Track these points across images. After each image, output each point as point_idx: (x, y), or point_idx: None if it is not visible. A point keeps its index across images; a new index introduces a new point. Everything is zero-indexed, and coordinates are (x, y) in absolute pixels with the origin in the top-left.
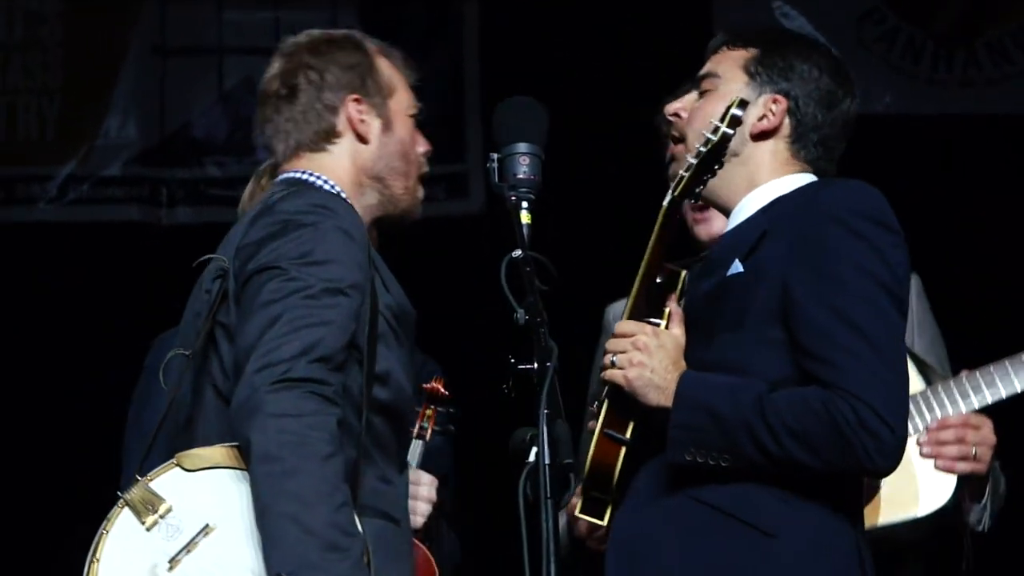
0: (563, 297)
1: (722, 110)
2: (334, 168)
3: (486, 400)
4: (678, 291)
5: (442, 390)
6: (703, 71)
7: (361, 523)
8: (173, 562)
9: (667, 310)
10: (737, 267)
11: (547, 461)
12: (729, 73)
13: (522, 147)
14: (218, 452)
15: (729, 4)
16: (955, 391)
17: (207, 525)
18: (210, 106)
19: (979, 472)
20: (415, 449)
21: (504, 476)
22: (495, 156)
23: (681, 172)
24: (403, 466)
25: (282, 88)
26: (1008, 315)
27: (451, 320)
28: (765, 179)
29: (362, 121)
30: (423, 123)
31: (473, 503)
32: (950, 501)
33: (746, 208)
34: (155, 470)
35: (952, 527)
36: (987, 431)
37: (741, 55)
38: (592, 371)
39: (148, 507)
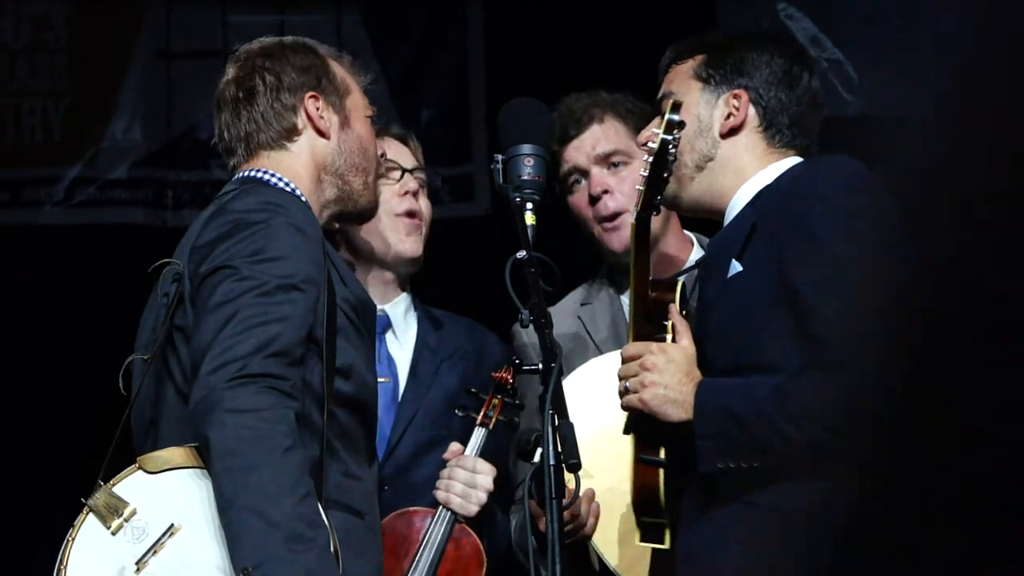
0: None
1: (689, 124)
2: (292, 165)
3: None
4: (678, 301)
5: (510, 380)
6: (660, 94)
7: (326, 516)
8: (140, 564)
9: (670, 323)
10: (735, 267)
11: (552, 462)
12: (683, 87)
13: (526, 148)
14: (179, 453)
15: (733, 7)
16: None
17: (172, 525)
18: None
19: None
20: (476, 437)
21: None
22: (499, 157)
23: (637, 187)
24: (372, 459)
25: (239, 92)
26: None
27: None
28: (749, 174)
29: (321, 117)
30: (429, 125)
31: None
32: None
33: (737, 206)
34: (118, 475)
35: None
36: None
37: (689, 66)
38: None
39: (112, 511)
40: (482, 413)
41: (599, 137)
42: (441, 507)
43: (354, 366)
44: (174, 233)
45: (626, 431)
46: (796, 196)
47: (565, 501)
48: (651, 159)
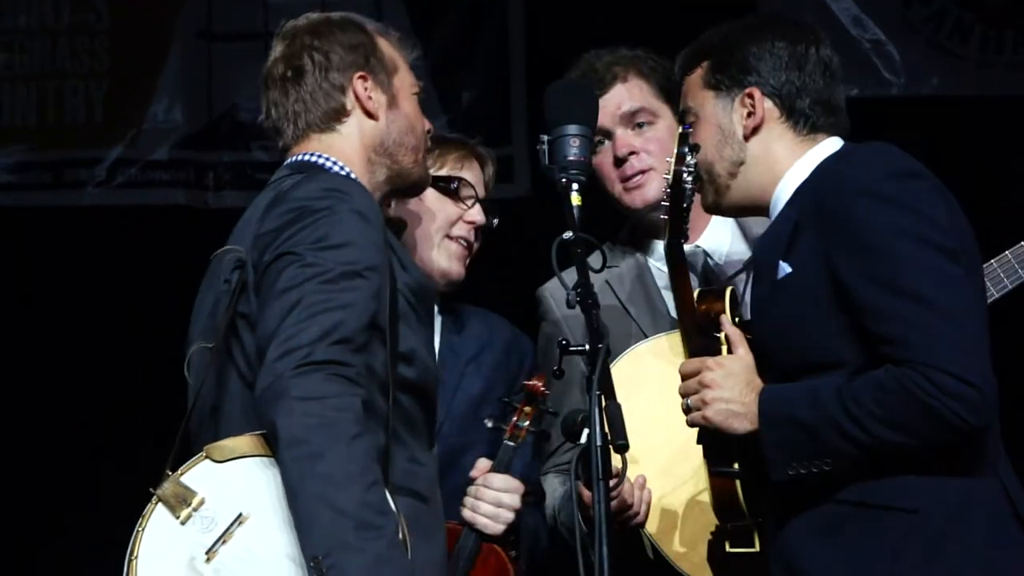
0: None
1: (713, 133)
2: (343, 148)
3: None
4: (728, 308)
5: (543, 388)
6: (681, 108)
7: (395, 502)
8: (210, 553)
9: (723, 334)
10: (784, 268)
11: (599, 442)
12: (697, 99)
13: (572, 129)
14: (245, 441)
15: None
16: (1000, 268)
17: (241, 514)
18: (256, 90)
19: None
20: (504, 452)
21: None
22: (545, 138)
23: (661, 216)
24: (431, 443)
25: (288, 71)
26: None
27: (496, 304)
28: (785, 167)
29: (369, 98)
30: (469, 107)
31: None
32: None
33: (780, 200)
34: (185, 464)
35: None
36: None
37: (698, 75)
38: (543, 352)
39: (181, 501)
40: (511, 425)
41: (623, 97)
42: (467, 526)
43: (416, 351)
44: (216, 214)
45: (699, 442)
46: (838, 189)
47: (612, 482)
48: (669, 190)
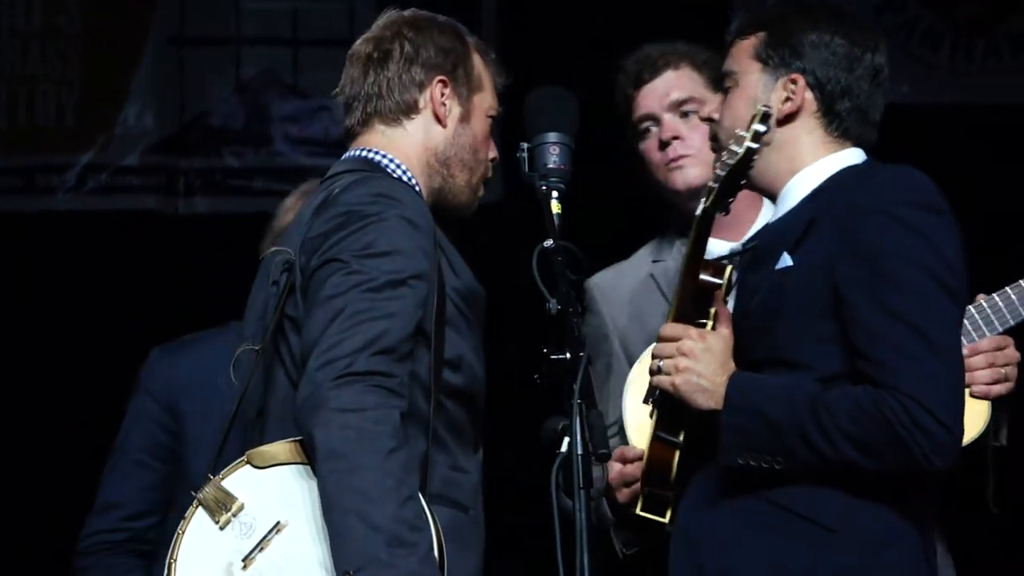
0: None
1: (744, 106)
2: (404, 146)
3: (512, 388)
4: (724, 288)
5: None
6: (723, 69)
7: (432, 513)
8: (247, 560)
9: (713, 310)
10: (786, 260)
11: (580, 451)
12: (743, 65)
13: (552, 136)
14: (285, 448)
15: (747, 4)
16: (978, 317)
17: (279, 522)
18: (228, 96)
19: (1011, 391)
20: None
21: (534, 466)
22: (525, 146)
23: (710, 184)
24: (477, 449)
25: (375, 52)
26: None
27: None
28: (807, 161)
29: (443, 104)
30: None
31: (504, 493)
32: (985, 428)
33: (791, 194)
34: (226, 468)
35: (982, 459)
36: (1011, 349)
37: (751, 43)
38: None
39: (221, 506)
40: None
41: (673, 84)
42: None
43: (464, 357)
44: (186, 220)
45: (646, 401)
46: (862, 204)
47: (592, 490)
48: (732, 163)
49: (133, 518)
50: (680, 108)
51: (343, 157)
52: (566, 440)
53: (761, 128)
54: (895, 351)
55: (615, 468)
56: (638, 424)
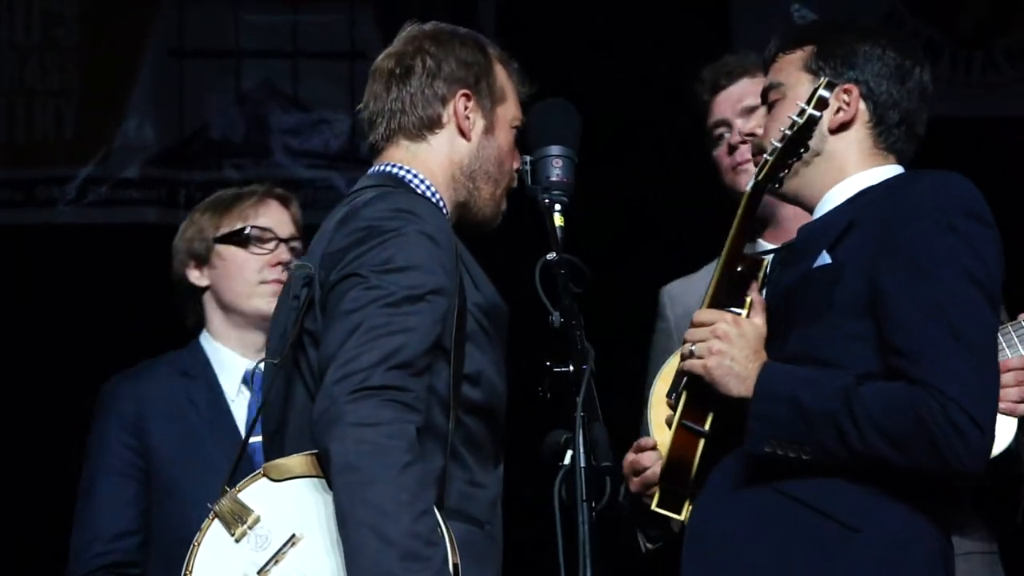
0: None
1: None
2: (428, 161)
3: (515, 401)
4: (760, 279)
5: None
6: (766, 84)
7: (447, 527)
8: (262, 573)
9: (749, 299)
10: (824, 258)
11: (583, 464)
12: (792, 78)
13: (555, 150)
14: (300, 461)
15: (746, 6)
16: (1013, 334)
17: (294, 535)
18: (228, 108)
19: None
20: None
21: (537, 479)
22: (528, 159)
23: (765, 156)
24: (498, 463)
25: (397, 67)
26: None
27: None
28: (851, 172)
29: (467, 118)
30: None
31: (507, 506)
32: (1012, 444)
33: (832, 199)
34: (243, 480)
35: (1008, 474)
36: None
37: (799, 56)
38: (650, 356)
39: (237, 519)
40: None
41: (748, 90)
42: None
43: (483, 372)
44: None
45: (671, 393)
46: (908, 205)
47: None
48: (791, 132)
49: (117, 538)
50: (752, 114)
51: (368, 172)
52: (569, 453)
53: (826, 94)
54: (933, 350)
55: (629, 457)
56: (663, 441)
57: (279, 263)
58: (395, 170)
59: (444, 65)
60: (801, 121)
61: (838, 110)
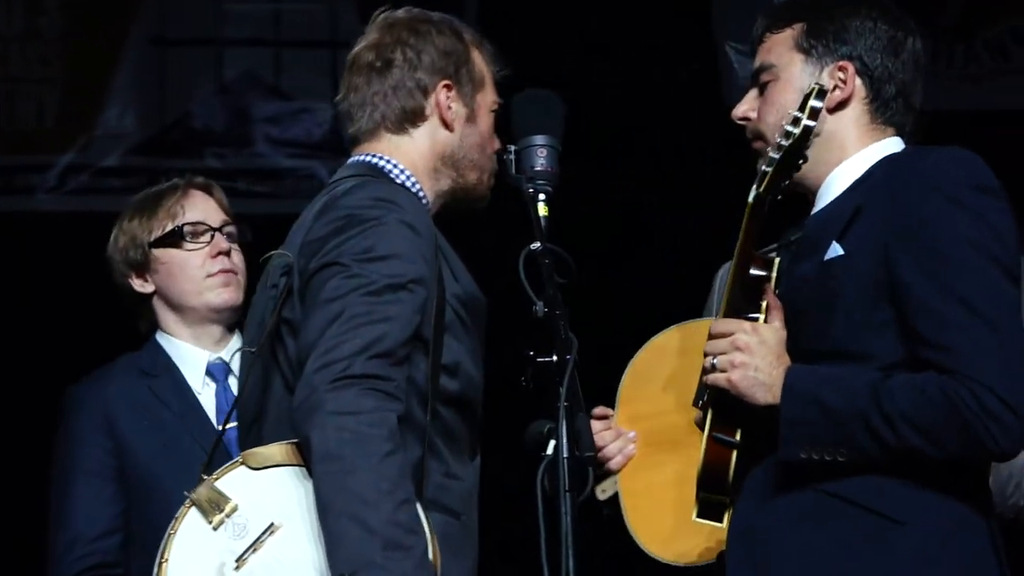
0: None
1: (791, 98)
2: (410, 152)
3: (499, 391)
4: (774, 280)
5: None
6: (756, 65)
7: (427, 517)
8: (240, 561)
9: (764, 303)
10: (836, 249)
11: (565, 454)
12: (783, 58)
13: (539, 139)
14: (280, 450)
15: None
16: None
17: (272, 524)
18: (210, 97)
19: None
20: None
21: (520, 469)
22: (512, 148)
23: (764, 167)
24: (474, 454)
25: (377, 60)
26: None
27: None
28: (852, 150)
29: (449, 108)
30: None
31: (491, 497)
32: None
33: (835, 184)
34: (221, 468)
35: None
36: None
37: (788, 35)
38: None
39: (214, 506)
40: None
41: None
42: None
43: (461, 363)
44: None
45: (697, 403)
46: (916, 186)
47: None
48: (788, 143)
49: (98, 539)
50: None
51: (348, 162)
52: (551, 443)
53: (818, 104)
54: (957, 334)
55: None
56: (630, 414)
57: (219, 252)
58: (375, 160)
59: (424, 56)
60: (797, 132)
61: (835, 88)
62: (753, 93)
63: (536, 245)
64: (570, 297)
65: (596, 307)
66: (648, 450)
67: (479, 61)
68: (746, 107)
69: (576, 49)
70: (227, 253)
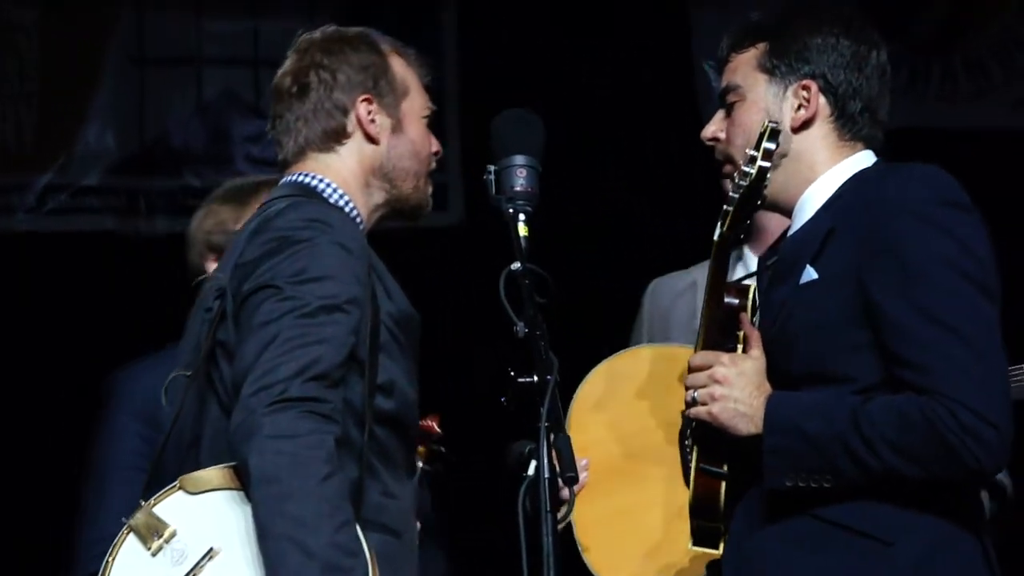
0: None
1: (757, 119)
2: (340, 169)
3: (466, 410)
4: (750, 308)
5: (436, 428)
6: (723, 85)
7: (366, 538)
8: None
9: (741, 333)
10: (810, 273)
11: (547, 475)
12: (748, 79)
13: (519, 159)
14: (218, 474)
15: (709, 18)
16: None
17: (211, 549)
18: (189, 116)
19: None
20: None
21: (502, 490)
22: (492, 168)
23: (725, 207)
24: (411, 473)
25: (293, 86)
26: None
27: (427, 331)
28: (822, 169)
29: (372, 121)
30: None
31: (471, 517)
32: None
33: (808, 205)
34: (158, 494)
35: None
36: None
37: (752, 55)
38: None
39: (153, 532)
40: None
41: None
42: None
43: (396, 382)
44: (146, 241)
45: (683, 435)
46: (886, 206)
47: (560, 514)
48: (746, 183)
49: None
50: None
51: (280, 183)
52: (532, 463)
53: (771, 146)
54: (933, 353)
55: None
56: (582, 442)
57: None
58: (307, 179)
59: (339, 74)
60: (753, 173)
61: (799, 107)
62: (720, 114)
63: (516, 265)
64: (557, 309)
65: (585, 315)
66: (600, 477)
67: (400, 69)
68: (714, 128)
69: (565, 56)
70: None
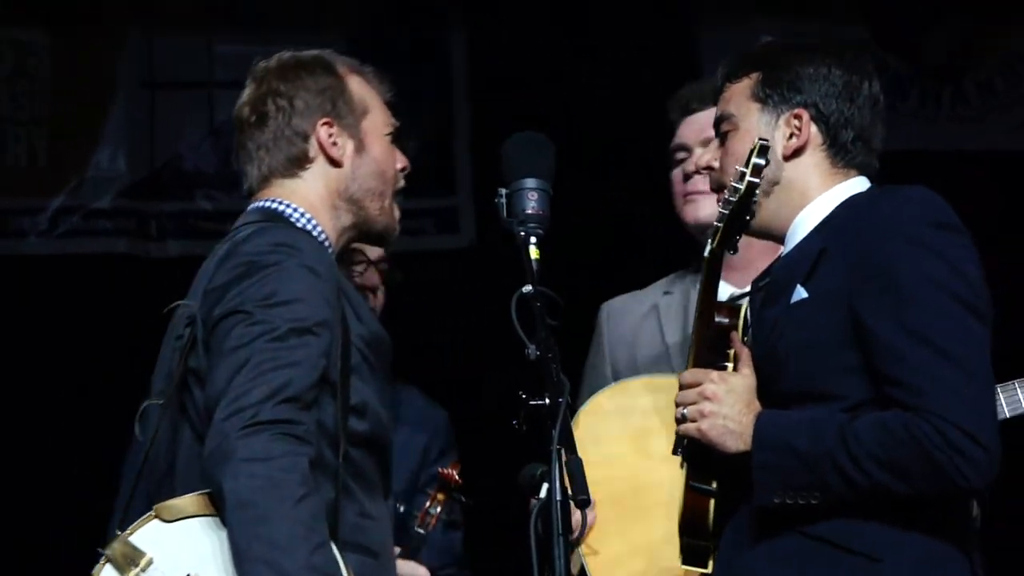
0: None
1: (748, 149)
2: (306, 194)
3: (477, 432)
4: (741, 327)
5: (456, 477)
6: (716, 115)
7: (343, 559)
8: None
9: (732, 351)
10: (800, 293)
11: (559, 497)
12: (741, 108)
13: (530, 182)
14: (193, 501)
15: (715, 34)
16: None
17: (188, 575)
18: (200, 139)
19: None
20: (415, 539)
21: (513, 512)
22: (503, 191)
23: (715, 223)
24: (387, 494)
25: (252, 115)
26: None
27: (438, 353)
28: (814, 195)
29: (334, 144)
30: (413, 157)
31: (483, 540)
32: None
33: (800, 227)
34: (134, 523)
35: None
36: None
37: (745, 85)
38: (585, 372)
39: (129, 562)
40: (423, 511)
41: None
42: None
43: (368, 404)
44: (158, 264)
45: (675, 452)
46: (876, 228)
47: (573, 536)
48: (735, 199)
49: None
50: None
51: (248, 208)
52: (544, 486)
53: (760, 161)
54: (922, 373)
55: None
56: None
57: (365, 287)
58: (274, 205)
59: (296, 100)
60: (742, 188)
61: (791, 136)
62: (715, 143)
63: (528, 288)
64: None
65: (588, 319)
66: (609, 516)
67: (358, 88)
68: (709, 156)
69: (567, 58)
70: (373, 290)
